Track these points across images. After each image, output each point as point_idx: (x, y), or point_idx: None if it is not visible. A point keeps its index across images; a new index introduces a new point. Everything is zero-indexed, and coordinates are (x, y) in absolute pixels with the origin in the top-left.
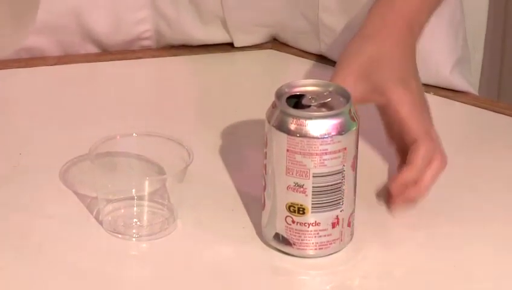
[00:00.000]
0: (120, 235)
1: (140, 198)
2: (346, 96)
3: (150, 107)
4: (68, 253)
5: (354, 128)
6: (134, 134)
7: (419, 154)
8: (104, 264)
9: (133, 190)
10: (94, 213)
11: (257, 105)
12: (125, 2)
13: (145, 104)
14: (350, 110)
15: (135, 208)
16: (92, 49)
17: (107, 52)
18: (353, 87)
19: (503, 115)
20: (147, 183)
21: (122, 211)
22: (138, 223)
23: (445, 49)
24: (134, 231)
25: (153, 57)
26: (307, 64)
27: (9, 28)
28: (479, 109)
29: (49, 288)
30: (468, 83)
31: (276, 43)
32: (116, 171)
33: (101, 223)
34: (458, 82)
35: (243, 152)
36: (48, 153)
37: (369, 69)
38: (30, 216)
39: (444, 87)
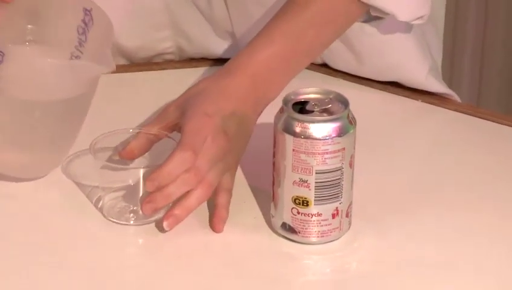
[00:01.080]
0: (118, 221)
1: (138, 187)
2: (345, 103)
3: None
4: (69, 239)
5: (352, 130)
6: (130, 130)
7: (170, 159)
8: (106, 251)
9: (130, 180)
10: (94, 201)
11: (266, 110)
12: (149, 22)
13: None
14: (348, 114)
15: (132, 196)
16: (122, 61)
17: (134, 64)
18: (170, 114)
19: (483, 120)
20: (141, 172)
21: (121, 199)
22: (135, 208)
23: (417, 61)
24: (131, 215)
25: (175, 68)
26: (309, 73)
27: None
28: (460, 114)
29: (52, 273)
30: (443, 85)
31: None
32: (115, 163)
33: (100, 210)
34: (434, 86)
35: (254, 151)
36: None
37: (187, 101)
38: (33, 205)
39: (424, 89)
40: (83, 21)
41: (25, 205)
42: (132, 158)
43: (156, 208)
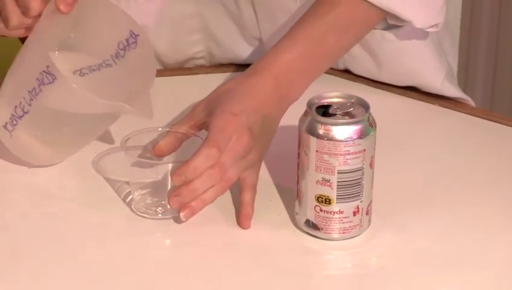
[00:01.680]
0: (146, 215)
1: (166, 182)
2: (366, 107)
3: None
4: (98, 231)
5: (372, 133)
6: (160, 128)
7: (196, 155)
8: (134, 244)
9: (159, 175)
10: (122, 196)
11: (292, 113)
12: (181, 26)
13: None
14: (369, 118)
15: (161, 191)
16: (157, 66)
17: (167, 69)
18: (198, 113)
19: (496, 123)
20: (169, 167)
21: (149, 193)
22: (163, 202)
23: (434, 67)
24: (159, 208)
25: (206, 73)
26: (331, 78)
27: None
28: (474, 117)
29: (83, 265)
30: (458, 90)
31: None
32: (145, 159)
33: (129, 204)
34: (449, 91)
35: (280, 152)
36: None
37: (214, 100)
38: (65, 199)
39: (440, 94)
40: (127, 40)
41: (57, 200)
42: (161, 156)
43: (182, 202)
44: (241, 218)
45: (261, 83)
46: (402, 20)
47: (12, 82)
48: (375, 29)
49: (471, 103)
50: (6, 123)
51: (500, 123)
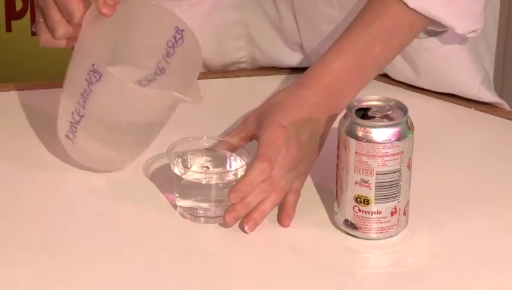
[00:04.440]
0: (190, 220)
1: (209, 188)
2: (404, 110)
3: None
4: (146, 233)
5: (410, 135)
6: (205, 137)
7: (250, 170)
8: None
9: (203, 182)
10: (170, 201)
11: None
12: (226, 33)
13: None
14: (407, 120)
15: (205, 197)
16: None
17: (211, 72)
18: (249, 125)
19: None
20: (214, 177)
21: (194, 200)
22: (207, 206)
23: (471, 73)
24: (202, 213)
25: (248, 76)
26: (372, 84)
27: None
28: (509, 121)
29: (130, 262)
30: (494, 95)
31: None
32: (190, 166)
33: (175, 207)
34: (485, 96)
35: (320, 153)
36: None
37: (264, 112)
38: (115, 202)
39: (477, 100)
40: (174, 37)
41: (110, 203)
42: None
43: (237, 217)
44: (283, 217)
45: (310, 94)
46: (443, 26)
47: (66, 91)
48: None
49: (507, 107)
50: (67, 132)
51: None
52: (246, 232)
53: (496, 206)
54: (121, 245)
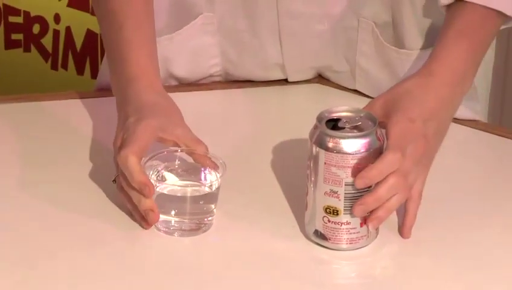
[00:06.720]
0: (165, 233)
1: (184, 201)
2: (374, 121)
3: (217, 128)
4: (119, 246)
5: (380, 146)
6: (179, 150)
7: (382, 159)
8: (157, 249)
9: (179, 194)
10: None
11: (302, 127)
12: (201, 54)
13: (213, 125)
14: (376, 131)
15: (179, 210)
16: (173, 82)
17: (185, 85)
18: (376, 109)
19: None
20: (189, 189)
21: (168, 212)
22: (182, 219)
23: None
24: (176, 225)
25: (222, 89)
26: (345, 96)
27: None
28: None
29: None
30: (473, 113)
31: (321, 79)
32: (165, 180)
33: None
34: (461, 113)
35: (291, 164)
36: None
37: (392, 101)
38: (90, 213)
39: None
40: None
41: (83, 217)
42: None
43: (366, 210)
44: (405, 229)
45: (438, 83)
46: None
47: None
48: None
49: (479, 118)
50: None
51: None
52: (370, 230)
53: (467, 217)
54: (94, 256)
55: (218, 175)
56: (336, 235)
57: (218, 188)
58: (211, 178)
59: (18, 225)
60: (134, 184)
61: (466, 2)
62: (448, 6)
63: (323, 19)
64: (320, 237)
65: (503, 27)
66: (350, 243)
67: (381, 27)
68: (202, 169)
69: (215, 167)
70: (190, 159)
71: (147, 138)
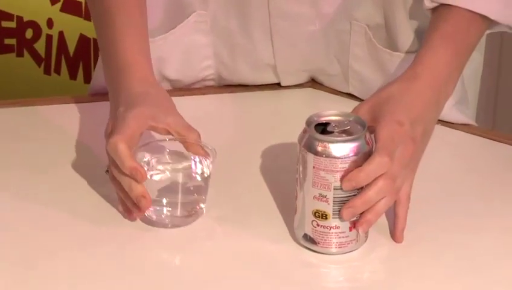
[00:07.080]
0: (156, 220)
1: (176, 188)
2: (363, 125)
3: (210, 132)
4: (118, 245)
5: (368, 150)
6: (167, 139)
7: (370, 162)
8: (144, 253)
9: (169, 182)
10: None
11: (292, 130)
12: (193, 55)
13: (206, 129)
14: (365, 135)
15: (169, 199)
16: (166, 86)
17: (178, 89)
18: (363, 114)
19: (497, 142)
20: (181, 174)
21: (159, 199)
22: (173, 207)
23: None
24: (167, 220)
25: (215, 93)
26: (337, 100)
27: None
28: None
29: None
30: (466, 117)
31: (314, 83)
32: (152, 170)
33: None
34: (454, 117)
35: (280, 168)
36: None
37: (378, 105)
38: (83, 211)
39: (447, 121)
40: None
41: (84, 213)
42: None
43: (355, 213)
44: (397, 233)
45: (422, 87)
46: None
47: None
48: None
49: (472, 123)
50: None
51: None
52: (360, 234)
53: (458, 219)
54: (94, 256)
55: (209, 162)
56: (325, 239)
57: (209, 175)
58: (201, 166)
59: (18, 225)
60: (125, 170)
61: (451, 5)
62: (434, 9)
63: (314, 20)
64: (310, 241)
65: (488, 32)
66: (339, 247)
67: (374, 29)
68: (192, 157)
69: (206, 155)
70: (181, 148)
71: (136, 126)
